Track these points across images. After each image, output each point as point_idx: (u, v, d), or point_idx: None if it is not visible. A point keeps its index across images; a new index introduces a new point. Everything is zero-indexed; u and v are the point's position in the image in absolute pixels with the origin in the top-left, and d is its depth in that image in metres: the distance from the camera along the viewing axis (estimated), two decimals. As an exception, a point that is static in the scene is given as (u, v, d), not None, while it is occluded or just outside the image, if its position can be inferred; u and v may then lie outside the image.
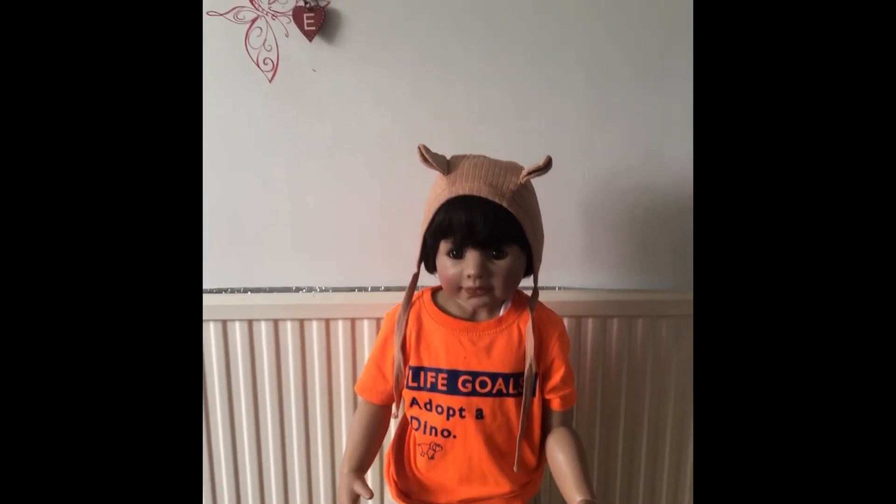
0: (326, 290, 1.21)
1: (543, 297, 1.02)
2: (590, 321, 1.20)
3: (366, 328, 1.18)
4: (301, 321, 1.17)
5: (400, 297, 1.00)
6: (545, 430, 1.00)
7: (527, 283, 0.98)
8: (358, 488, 0.95)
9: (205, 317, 1.16)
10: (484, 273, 0.91)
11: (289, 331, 1.17)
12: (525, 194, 0.92)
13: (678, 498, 1.29)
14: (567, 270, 1.22)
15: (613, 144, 1.18)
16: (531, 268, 0.96)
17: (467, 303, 0.95)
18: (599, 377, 1.22)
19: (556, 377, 0.98)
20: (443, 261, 0.93)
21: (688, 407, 1.24)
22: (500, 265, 0.92)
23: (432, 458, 0.99)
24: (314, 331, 1.17)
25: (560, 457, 0.95)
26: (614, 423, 1.24)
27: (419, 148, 0.91)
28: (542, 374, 0.98)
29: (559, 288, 1.22)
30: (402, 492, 1.02)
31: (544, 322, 0.99)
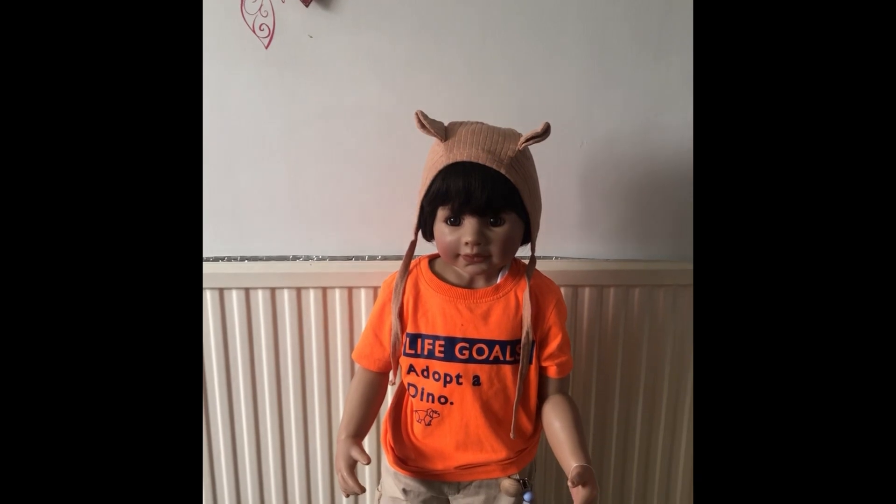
0: (323, 258, 1.20)
1: (540, 266, 1.02)
2: (586, 291, 1.20)
3: (363, 297, 1.18)
4: (298, 289, 1.17)
5: (397, 265, 1.00)
6: (541, 398, 1.00)
7: (524, 252, 0.98)
8: (355, 454, 0.96)
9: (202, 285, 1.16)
10: (481, 240, 0.91)
11: (286, 299, 1.17)
12: (523, 161, 0.91)
13: (672, 466, 1.30)
14: (564, 240, 1.22)
15: (611, 114, 1.17)
16: (528, 235, 0.96)
17: (465, 270, 0.95)
18: (596, 346, 1.23)
19: (553, 345, 0.98)
20: (440, 228, 0.93)
21: (683, 375, 1.25)
22: (498, 232, 0.91)
23: (429, 424, 0.99)
24: (311, 299, 1.17)
25: (556, 423, 0.96)
26: (610, 392, 1.25)
27: (417, 114, 0.90)
28: (539, 341, 0.98)
29: (556, 258, 1.22)
30: (400, 458, 1.03)
31: (541, 290, 0.99)
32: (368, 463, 0.95)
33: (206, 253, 1.19)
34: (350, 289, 1.18)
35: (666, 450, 1.29)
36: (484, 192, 0.88)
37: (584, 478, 0.88)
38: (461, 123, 0.93)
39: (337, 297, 1.18)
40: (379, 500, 1.11)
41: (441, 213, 0.92)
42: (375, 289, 1.16)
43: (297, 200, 1.18)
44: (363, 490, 0.95)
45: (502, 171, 0.88)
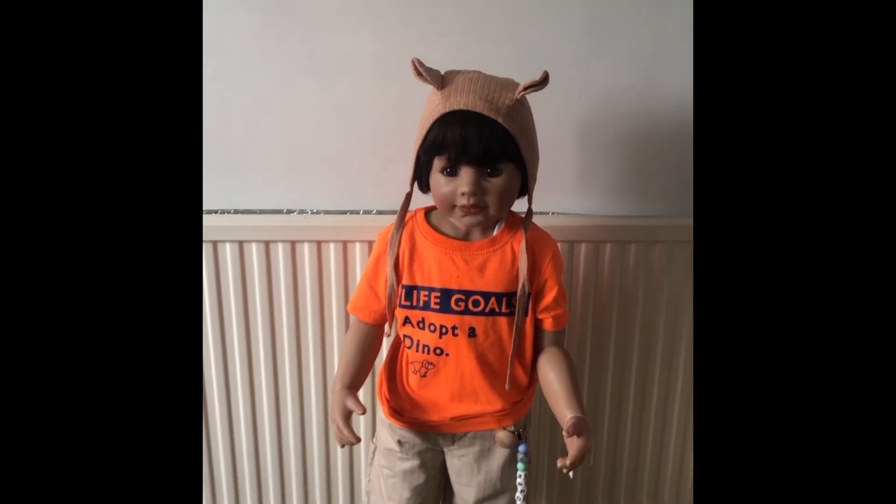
0: (318, 212, 1.19)
1: (537, 221, 1.01)
2: (583, 246, 1.20)
3: (357, 251, 1.17)
4: (293, 243, 1.16)
5: (392, 220, 0.99)
6: (537, 350, 1.01)
7: (521, 208, 0.97)
8: (351, 404, 0.96)
9: (195, 238, 1.15)
10: (478, 191, 0.90)
11: (280, 253, 1.16)
12: (521, 110, 0.90)
13: (666, 420, 1.31)
14: (561, 195, 1.21)
15: (611, 67, 1.15)
16: (526, 187, 0.96)
17: (461, 221, 0.94)
18: (591, 302, 1.23)
19: (549, 297, 0.98)
20: (436, 178, 0.92)
21: (678, 331, 1.25)
22: (495, 183, 0.90)
23: (424, 376, 0.99)
24: (306, 253, 1.17)
25: (551, 375, 0.96)
26: (605, 347, 1.26)
27: (413, 61, 0.88)
28: (535, 293, 0.98)
29: (553, 213, 1.21)
30: (395, 410, 1.03)
31: (538, 242, 0.98)
32: (364, 413, 0.95)
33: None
34: (345, 243, 1.17)
35: (661, 403, 1.30)
36: (481, 142, 0.87)
37: (578, 428, 0.88)
38: (458, 72, 0.92)
39: (332, 252, 1.17)
40: (374, 452, 1.12)
41: (437, 164, 0.91)
42: (370, 243, 1.15)
43: (291, 153, 1.17)
44: (358, 440, 0.95)
45: (500, 120, 0.87)
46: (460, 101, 0.87)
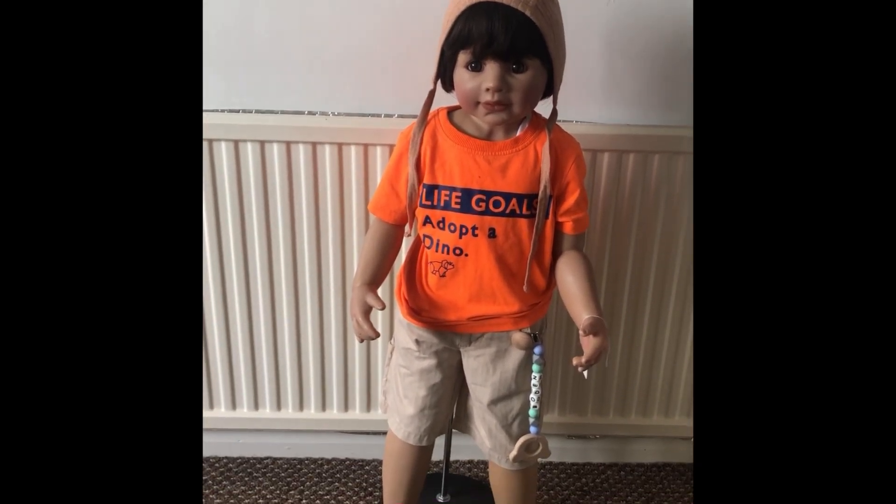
0: (339, 115, 1.18)
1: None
2: (605, 156, 1.19)
3: (378, 154, 1.17)
4: (314, 144, 1.16)
5: (414, 122, 0.98)
6: (556, 254, 1.01)
7: (545, 108, 0.96)
8: (370, 300, 0.97)
9: (216, 136, 1.15)
10: (503, 86, 0.88)
11: (301, 154, 1.16)
12: (549, 5, 0.88)
13: (682, 331, 1.32)
14: (585, 103, 1.19)
15: (642, -30, 1.12)
16: (551, 87, 0.94)
17: (484, 119, 0.93)
18: (612, 212, 1.22)
19: (571, 200, 0.97)
20: (461, 74, 0.91)
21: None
22: (520, 79, 0.89)
23: (443, 276, 1.00)
24: (327, 155, 1.16)
25: (569, 277, 0.97)
26: (623, 259, 1.26)
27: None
28: (557, 196, 0.97)
29: (576, 121, 1.19)
30: (413, 309, 1.04)
31: (561, 144, 0.97)
32: (383, 308, 0.96)
33: (220, 105, 1.17)
34: (366, 146, 1.17)
35: (676, 318, 1.30)
36: (507, 35, 0.85)
37: (595, 328, 0.89)
38: (486, -37, 0.89)
39: (353, 154, 1.17)
40: (391, 353, 1.14)
41: (462, 58, 0.90)
42: (391, 147, 1.14)
43: (312, 52, 1.15)
44: (378, 335, 0.97)
45: (527, 13, 0.85)
46: None
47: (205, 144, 1.15)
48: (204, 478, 1.38)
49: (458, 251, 0.98)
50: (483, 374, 1.05)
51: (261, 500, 1.34)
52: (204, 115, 1.15)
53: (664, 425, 1.40)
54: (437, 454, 1.23)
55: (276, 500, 1.34)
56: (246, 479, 1.38)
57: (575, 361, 0.89)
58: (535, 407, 1.03)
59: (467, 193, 0.95)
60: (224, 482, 1.37)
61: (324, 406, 1.36)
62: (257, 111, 1.18)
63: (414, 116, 0.98)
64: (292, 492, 1.36)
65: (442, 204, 0.96)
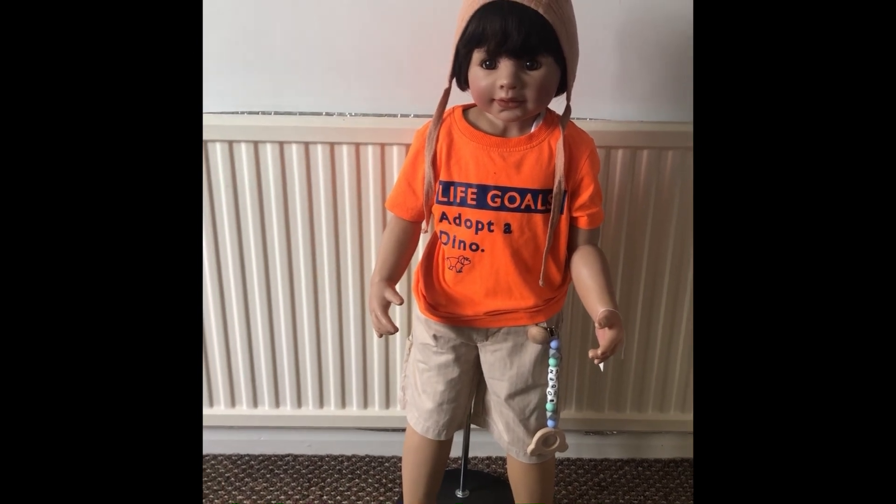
0: (356, 115, 1.20)
1: (573, 125, 1.01)
2: (619, 153, 1.20)
3: (395, 154, 1.19)
4: (332, 144, 1.18)
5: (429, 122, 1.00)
6: (571, 249, 1.02)
7: (558, 105, 0.97)
8: (388, 295, 0.99)
9: (235, 138, 1.17)
10: (517, 83, 0.90)
11: (319, 154, 1.18)
12: (562, 2, 0.89)
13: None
14: (598, 100, 1.20)
15: (653, -33, 1.13)
16: (564, 84, 0.95)
17: (499, 116, 0.95)
18: (626, 209, 1.23)
19: (585, 195, 0.99)
20: (475, 72, 0.92)
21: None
22: (534, 76, 0.90)
23: (460, 271, 1.02)
24: (344, 154, 1.18)
25: (584, 271, 0.98)
26: (638, 255, 1.27)
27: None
28: (571, 191, 0.99)
29: (590, 118, 1.20)
30: (430, 305, 1.06)
31: (575, 140, 0.98)
32: (401, 303, 0.98)
33: (239, 107, 1.19)
34: (383, 145, 1.18)
35: (692, 313, 1.31)
36: (521, 33, 0.87)
37: (611, 321, 0.91)
38: (499, -37, 0.91)
39: (370, 153, 1.19)
40: (409, 349, 1.15)
41: (476, 56, 0.91)
42: (407, 146, 1.16)
43: (330, 54, 1.17)
44: (396, 329, 0.99)
45: (541, 10, 0.86)
46: None
47: (224, 146, 1.18)
48: (227, 475, 1.40)
49: (474, 247, 0.99)
50: (500, 368, 1.07)
51: (282, 497, 1.36)
52: (224, 117, 1.17)
53: (681, 420, 1.40)
54: (456, 451, 1.25)
55: (297, 496, 1.36)
56: (268, 475, 1.41)
57: (591, 353, 0.91)
58: (552, 401, 1.04)
59: (483, 189, 0.97)
60: (246, 479, 1.40)
61: (343, 403, 1.38)
62: (276, 113, 1.20)
63: (429, 116, 1.00)
64: (313, 488, 1.38)
65: (458, 200, 0.98)
